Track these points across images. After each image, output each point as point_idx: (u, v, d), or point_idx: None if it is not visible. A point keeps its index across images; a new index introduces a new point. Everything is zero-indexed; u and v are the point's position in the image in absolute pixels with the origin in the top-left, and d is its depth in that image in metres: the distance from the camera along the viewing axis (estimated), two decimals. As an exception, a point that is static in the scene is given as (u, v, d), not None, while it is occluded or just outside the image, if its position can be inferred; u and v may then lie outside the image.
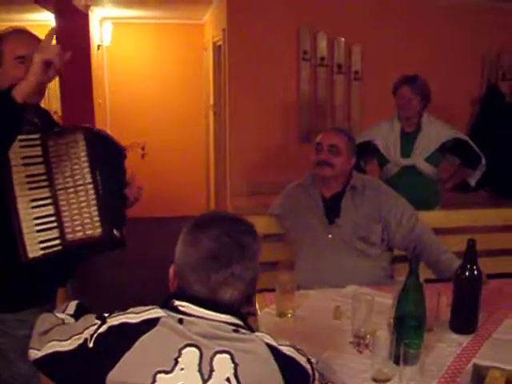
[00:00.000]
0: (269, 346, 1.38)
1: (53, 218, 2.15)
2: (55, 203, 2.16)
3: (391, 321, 2.05)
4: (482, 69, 5.27)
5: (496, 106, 5.18)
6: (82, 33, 6.04)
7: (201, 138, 7.44)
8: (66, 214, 2.16)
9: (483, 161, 3.92)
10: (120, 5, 6.13)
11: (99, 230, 2.19)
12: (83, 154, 2.21)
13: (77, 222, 2.17)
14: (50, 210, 2.16)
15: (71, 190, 2.18)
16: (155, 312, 1.38)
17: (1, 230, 2.14)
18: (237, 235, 1.43)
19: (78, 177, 2.20)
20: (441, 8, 4.99)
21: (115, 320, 1.39)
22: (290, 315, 2.32)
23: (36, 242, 2.11)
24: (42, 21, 6.67)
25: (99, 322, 1.40)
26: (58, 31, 5.83)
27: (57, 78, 6.35)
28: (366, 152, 3.90)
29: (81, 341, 1.39)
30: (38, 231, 2.13)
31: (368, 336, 2.03)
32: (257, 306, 2.42)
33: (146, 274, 5.20)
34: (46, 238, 2.13)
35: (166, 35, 7.42)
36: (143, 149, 6.88)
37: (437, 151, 3.82)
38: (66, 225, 2.16)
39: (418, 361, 1.77)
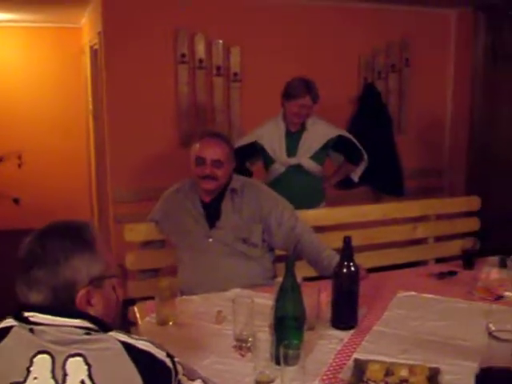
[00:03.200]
0: (122, 342, 1.36)
1: None
2: None
3: (272, 322, 2.04)
4: (358, 68, 5.42)
5: (372, 104, 5.33)
6: None
7: (82, 145, 7.21)
8: None
9: (365, 156, 4.04)
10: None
11: None
12: None
13: None
14: None
15: None
16: (7, 322, 1.36)
17: None
18: (44, 241, 1.42)
19: None
20: (316, 9, 5.09)
21: None
22: (171, 323, 2.27)
23: None
24: None
25: None
26: None
27: None
28: (252, 153, 3.91)
29: None
30: None
31: (250, 339, 2.02)
32: (137, 315, 2.36)
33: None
34: None
35: (40, 39, 7.11)
36: (20, 158, 6.62)
37: (321, 149, 3.89)
38: None
39: (299, 360, 1.76)
